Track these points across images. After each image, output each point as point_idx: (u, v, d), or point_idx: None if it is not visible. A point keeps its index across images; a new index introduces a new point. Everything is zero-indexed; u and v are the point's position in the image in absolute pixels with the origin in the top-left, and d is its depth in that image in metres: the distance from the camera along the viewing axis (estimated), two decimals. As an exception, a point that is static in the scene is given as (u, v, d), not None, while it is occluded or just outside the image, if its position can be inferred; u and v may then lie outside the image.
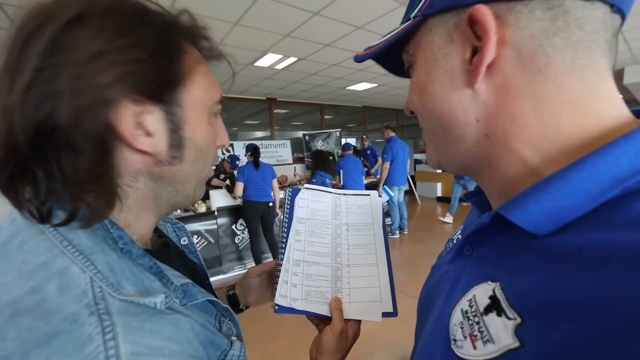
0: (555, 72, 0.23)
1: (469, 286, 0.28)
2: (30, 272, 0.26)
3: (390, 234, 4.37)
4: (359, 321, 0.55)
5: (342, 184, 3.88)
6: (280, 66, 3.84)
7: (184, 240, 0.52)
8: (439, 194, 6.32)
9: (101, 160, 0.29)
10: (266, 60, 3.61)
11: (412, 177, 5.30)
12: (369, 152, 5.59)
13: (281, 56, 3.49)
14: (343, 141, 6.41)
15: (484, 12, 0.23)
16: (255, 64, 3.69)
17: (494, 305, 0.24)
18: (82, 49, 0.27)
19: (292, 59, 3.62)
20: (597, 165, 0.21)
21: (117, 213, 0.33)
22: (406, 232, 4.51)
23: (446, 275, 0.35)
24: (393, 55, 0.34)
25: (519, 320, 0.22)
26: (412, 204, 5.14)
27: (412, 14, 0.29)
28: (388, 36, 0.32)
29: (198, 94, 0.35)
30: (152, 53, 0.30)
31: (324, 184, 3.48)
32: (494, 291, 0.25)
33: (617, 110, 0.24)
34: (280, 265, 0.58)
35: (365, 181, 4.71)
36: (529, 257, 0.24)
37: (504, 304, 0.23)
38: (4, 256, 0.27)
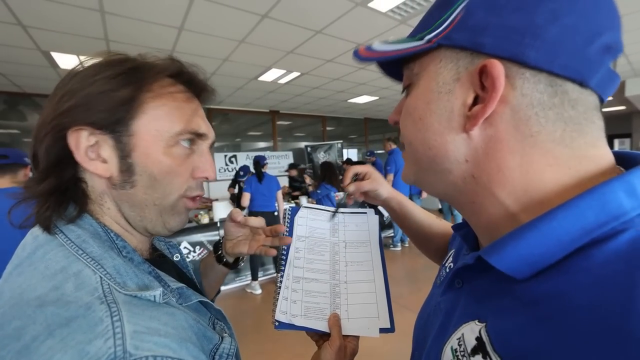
0: (545, 140, 0.25)
1: (460, 323, 0.29)
2: (51, 275, 0.31)
3: (392, 246, 4.36)
4: (358, 337, 0.56)
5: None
6: (283, 80, 3.93)
7: (176, 257, 0.55)
8: (440, 205, 6.32)
9: (62, 175, 0.37)
10: (270, 75, 3.70)
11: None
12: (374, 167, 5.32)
13: (284, 71, 3.58)
14: (344, 152, 6.48)
15: (499, 69, 0.24)
16: (260, 78, 3.78)
17: (480, 348, 0.25)
18: (61, 90, 0.37)
19: (295, 74, 3.70)
20: (566, 217, 0.23)
21: (111, 225, 0.40)
22: (407, 245, 4.50)
23: (438, 307, 0.36)
24: (394, 63, 0.33)
25: None
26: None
27: (428, 37, 0.29)
28: (396, 48, 0.31)
29: (154, 126, 0.38)
30: (105, 90, 0.36)
31: (328, 197, 3.49)
32: (480, 332, 0.26)
33: (598, 167, 0.25)
34: (281, 282, 0.60)
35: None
36: (510, 301, 0.25)
37: (489, 347, 0.24)
38: (30, 265, 0.33)
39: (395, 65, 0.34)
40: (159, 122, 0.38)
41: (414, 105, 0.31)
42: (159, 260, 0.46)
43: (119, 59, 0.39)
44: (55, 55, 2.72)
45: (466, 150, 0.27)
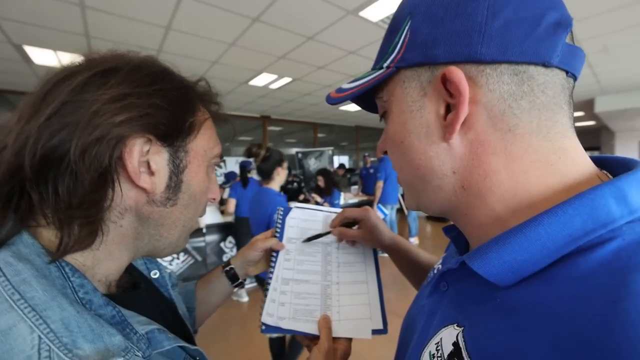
0: (523, 132, 0.25)
1: (439, 327, 0.29)
2: None
3: (380, 252, 4.34)
4: (350, 339, 0.54)
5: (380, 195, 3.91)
6: (274, 86, 3.92)
7: (154, 274, 0.50)
8: (430, 213, 6.38)
9: (98, 190, 0.30)
10: (261, 80, 3.68)
11: (402, 195, 5.38)
12: (372, 171, 4.82)
13: (276, 76, 3.57)
14: (335, 159, 6.49)
15: (458, 74, 0.25)
16: (250, 83, 3.76)
17: (456, 353, 0.25)
18: (108, 90, 0.30)
19: (286, 80, 3.70)
20: (553, 223, 0.22)
21: (88, 250, 0.32)
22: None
23: (423, 309, 0.36)
24: (366, 97, 0.35)
25: None
26: (402, 222, 5.15)
27: (385, 64, 0.30)
28: (361, 82, 0.32)
29: (203, 146, 0.39)
30: (169, 103, 0.34)
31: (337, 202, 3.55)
32: (457, 337, 0.26)
33: (580, 168, 0.25)
34: (269, 283, 0.58)
35: (357, 199, 4.73)
36: (491, 307, 0.25)
37: (464, 352, 0.24)
38: None
39: (370, 100, 0.35)
40: (206, 142, 0.39)
41: (392, 130, 0.31)
42: (129, 295, 0.40)
43: (157, 69, 0.35)
44: (29, 50, 2.61)
45: (451, 161, 0.27)
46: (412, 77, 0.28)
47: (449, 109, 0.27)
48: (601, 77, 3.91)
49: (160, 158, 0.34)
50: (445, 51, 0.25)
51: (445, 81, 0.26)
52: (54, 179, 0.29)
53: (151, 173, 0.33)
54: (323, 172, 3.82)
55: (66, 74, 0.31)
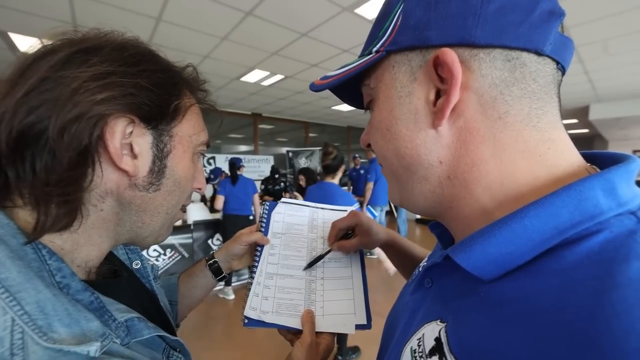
0: (513, 121, 0.25)
1: (422, 323, 0.29)
2: None
3: (369, 254, 4.37)
4: (333, 334, 0.54)
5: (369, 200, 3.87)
6: (266, 83, 3.90)
7: (136, 264, 0.49)
8: (418, 215, 6.45)
9: (77, 168, 0.29)
10: (253, 76, 3.65)
11: (393, 197, 5.44)
12: (362, 172, 4.81)
13: (268, 73, 3.54)
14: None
15: (452, 56, 0.24)
16: (242, 79, 3.72)
17: (437, 349, 0.24)
18: (89, 68, 0.29)
19: (278, 77, 3.68)
20: (539, 215, 0.22)
21: (67, 233, 0.31)
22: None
23: (406, 306, 0.35)
24: (351, 87, 0.33)
25: None
26: (391, 224, 5.19)
27: (375, 48, 0.29)
28: (348, 68, 0.31)
29: (188, 131, 0.38)
30: (153, 84, 0.33)
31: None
32: (439, 333, 0.25)
33: (568, 160, 0.25)
34: (253, 278, 0.57)
35: (347, 200, 4.72)
36: (473, 302, 0.24)
37: (446, 347, 0.24)
38: None
39: (355, 91, 0.34)
40: (192, 128, 0.38)
41: (378, 118, 0.30)
42: (109, 282, 0.39)
43: (143, 50, 0.35)
44: (14, 37, 2.53)
45: (438, 150, 0.27)
46: (402, 61, 0.27)
47: (438, 95, 0.26)
48: (597, 85, 3.95)
49: (143, 141, 0.33)
50: (439, 33, 0.25)
51: (437, 65, 0.25)
52: (31, 156, 0.28)
53: (134, 156, 0.33)
54: (305, 171, 3.85)
55: (46, 51, 0.30)
